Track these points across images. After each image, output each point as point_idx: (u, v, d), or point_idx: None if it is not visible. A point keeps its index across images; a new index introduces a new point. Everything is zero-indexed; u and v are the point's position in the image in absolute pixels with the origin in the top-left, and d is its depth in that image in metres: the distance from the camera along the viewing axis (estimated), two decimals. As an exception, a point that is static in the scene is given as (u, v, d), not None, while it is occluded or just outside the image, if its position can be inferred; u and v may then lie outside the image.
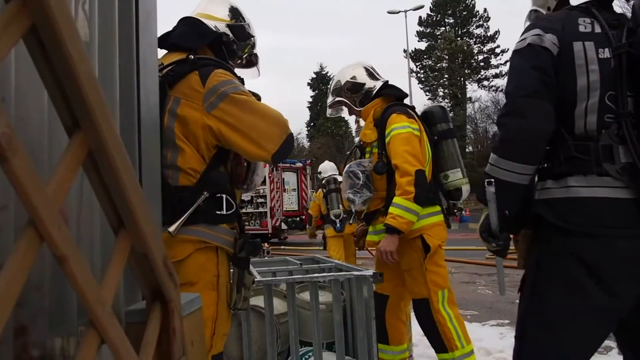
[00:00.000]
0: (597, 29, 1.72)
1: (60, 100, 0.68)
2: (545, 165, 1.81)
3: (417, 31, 48.77)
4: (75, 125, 0.69)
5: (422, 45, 48.44)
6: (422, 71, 48.54)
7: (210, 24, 2.10)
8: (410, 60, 36.44)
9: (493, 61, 47.85)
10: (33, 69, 0.67)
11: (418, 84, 48.16)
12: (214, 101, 1.82)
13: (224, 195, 1.87)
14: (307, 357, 2.90)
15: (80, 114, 0.69)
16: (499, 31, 47.67)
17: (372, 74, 3.23)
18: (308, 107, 53.24)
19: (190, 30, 2.03)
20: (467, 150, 48.97)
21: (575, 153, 1.68)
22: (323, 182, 7.74)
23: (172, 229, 1.70)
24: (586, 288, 1.62)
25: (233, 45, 2.13)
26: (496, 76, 48.00)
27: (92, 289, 0.64)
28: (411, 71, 36.87)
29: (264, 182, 17.28)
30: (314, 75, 52.90)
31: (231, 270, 1.95)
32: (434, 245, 2.87)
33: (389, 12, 30.08)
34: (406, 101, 3.35)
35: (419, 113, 3.21)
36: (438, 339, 2.85)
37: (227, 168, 1.95)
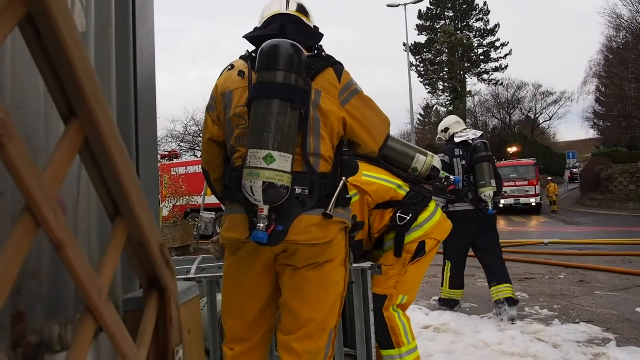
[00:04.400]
0: (462, 153, 5.20)
1: (56, 88, 0.68)
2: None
3: (416, 24, 48.66)
4: (72, 113, 0.70)
5: (422, 39, 48.35)
6: (421, 65, 48.45)
7: (308, 23, 2.21)
8: (409, 53, 36.24)
9: (493, 54, 47.86)
10: (29, 57, 0.67)
11: (418, 77, 48.11)
12: (347, 96, 2.01)
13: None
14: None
15: (76, 102, 0.69)
16: (498, 24, 47.63)
17: None
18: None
19: (300, 29, 2.13)
20: (466, 143, 48.94)
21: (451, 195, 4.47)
22: None
23: (329, 211, 1.88)
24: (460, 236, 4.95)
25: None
26: (496, 69, 48.03)
27: (88, 275, 0.65)
28: (411, 64, 36.70)
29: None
30: (313, 69, 52.70)
31: None
32: (430, 247, 2.85)
33: (388, 5, 29.95)
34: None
35: None
36: (386, 335, 2.83)
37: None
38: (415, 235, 2.84)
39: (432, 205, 2.96)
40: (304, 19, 2.19)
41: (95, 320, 0.66)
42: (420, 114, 52.55)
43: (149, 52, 1.30)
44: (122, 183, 0.75)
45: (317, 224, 1.90)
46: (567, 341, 4.23)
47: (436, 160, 3.07)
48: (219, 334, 2.61)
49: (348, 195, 2.07)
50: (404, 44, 32.23)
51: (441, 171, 3.12)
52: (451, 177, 3.23)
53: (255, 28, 2.21)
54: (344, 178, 2.01)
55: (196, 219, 14.63)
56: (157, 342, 0.88)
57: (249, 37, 2.17)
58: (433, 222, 2.90)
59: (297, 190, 1.87)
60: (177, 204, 15.08)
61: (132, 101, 1.17)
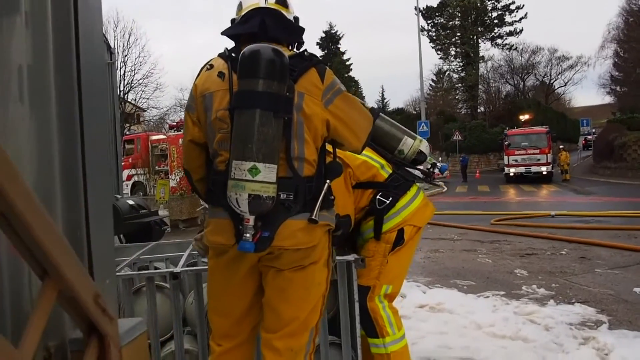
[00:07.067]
0: None
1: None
2: None
3: (429, -13, 47.42)
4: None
5: (434, 2, 46.99)
6: (433, 29, 47.19)
7: (288, 16, 2.12)
8: (420, 17, 35.20)
9: (507, 18, 46.45)
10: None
11: (429, 42, 46.98)
12: (331, 97, 1.99)
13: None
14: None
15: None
16: (514, -14, 46.22)
17: None
18: (318, 66, 52.54)
19: (281, 26, 2.07)
20: (478, 110, 48.29)
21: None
22: None
23: (315, 216, 1.90)
24: None
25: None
26: (510, 34, 46.73)
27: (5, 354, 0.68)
28: (422, 29, 35.91)
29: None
30: (323, 35, 52.06)
31: None
32: (410, 235, 2.84)
33: (399, -31, 29.10)
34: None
35: None
36: (370, 325, 2.86)
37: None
38: (393, 222, 2.82)
39: (413, 190, 2.92)
40: (284, 11, 2.11)
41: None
42: (432, 80, 51.83)
43: (97, 35, 1.25)
44: (45, 250, 0.77)
45: (303, 229, 1.91)
46: (560, 323, 4.28)
47: (424, 146, 3.02)
48: (206, 324, 2.68)
49: (332, 197, 2.06)
50: (415, 8, 31.42)
51: (428, 157, 3.07)
52: (438, 164, 3.18)
53: (232, 21, 2.16)
54: (328, 181, 2.00)
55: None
56: (99, 385, 0.92)
57: (227, 34, 2.13)
58: (412, 208, 2.86)
59: (282, 196, 1.86)
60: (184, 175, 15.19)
61: (76, 94, 1.13)
